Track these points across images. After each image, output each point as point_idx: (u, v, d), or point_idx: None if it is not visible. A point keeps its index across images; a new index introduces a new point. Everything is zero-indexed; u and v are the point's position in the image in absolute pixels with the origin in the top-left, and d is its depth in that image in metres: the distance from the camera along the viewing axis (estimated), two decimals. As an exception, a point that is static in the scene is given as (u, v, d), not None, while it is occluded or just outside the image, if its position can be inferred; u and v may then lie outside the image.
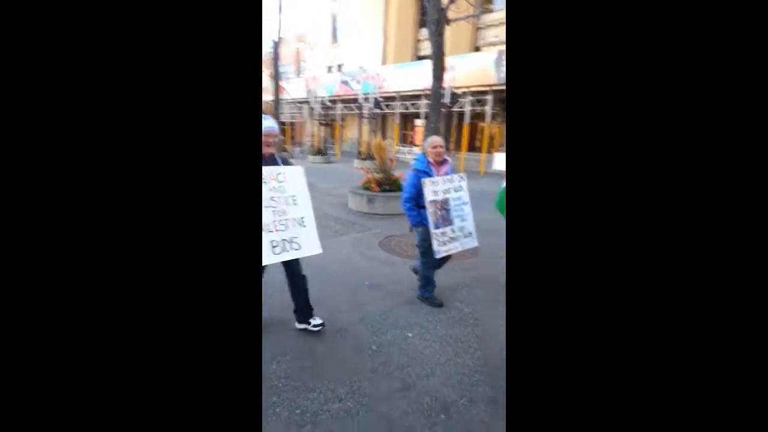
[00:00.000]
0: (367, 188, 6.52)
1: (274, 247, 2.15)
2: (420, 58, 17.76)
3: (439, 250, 2.84)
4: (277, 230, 2.19)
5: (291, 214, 2.26)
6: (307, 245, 2.29)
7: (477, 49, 16.25)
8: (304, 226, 2.30)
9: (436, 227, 2.84)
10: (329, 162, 15.92)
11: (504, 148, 14.24)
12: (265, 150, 2.28)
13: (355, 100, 18.42)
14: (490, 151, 13.84)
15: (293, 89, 21.34)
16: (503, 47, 13.85)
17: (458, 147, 14.46)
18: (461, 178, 3.05)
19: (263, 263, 2.08)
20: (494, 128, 14.10)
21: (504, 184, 3.09)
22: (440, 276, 3.20)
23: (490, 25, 16.02)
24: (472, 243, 3.08)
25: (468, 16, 7.56)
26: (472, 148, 15.06)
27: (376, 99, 17.01)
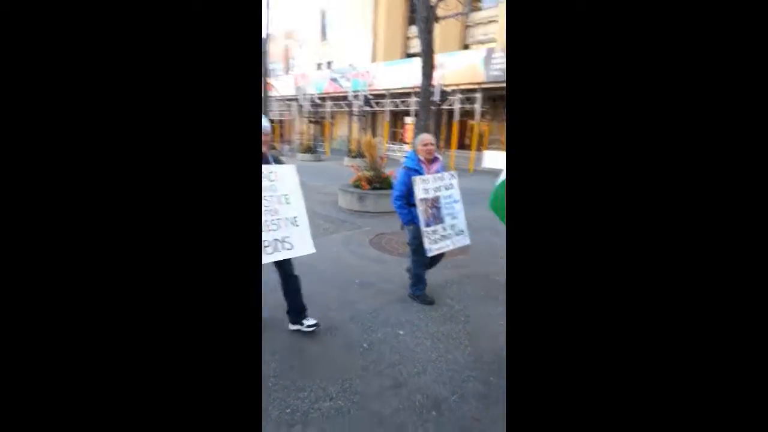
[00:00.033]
0: (357, 186, 6.50)
1: (266, 247, 2.12)
2: (409, 55, 17.77)
3: (431, 248, 2.84)
4: (269, 230, 2.16)
5: (283, 213, 2.23)
6: (300, 245, 2.27)
7: (466, 47, 16.32)
8: (297, 226, 2.28)
9: (427, 225, 2.84)
10: (319, 160, 15.83)
11: (493, 146, 14.35)
12: None
13: (344, 98, 18.35)
14: (479, 149, 13.91)
15: (282, 86, 21.16)
16: (492, 45, 13.94)
17: (448, 145, 14.50)
18: (452, 175, 3.05)
19: None
20: (483, 126, 14.17)
21: (497, 183, 3.10)
22: (431, 273, 3.21)
23: (478, 23, 16.08)
24: (464, 241, 3.08)
25: (457, 14, 7.57)
26: (462, 145, 15.12)
27: (366, 96, 16.96)
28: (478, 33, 16.27)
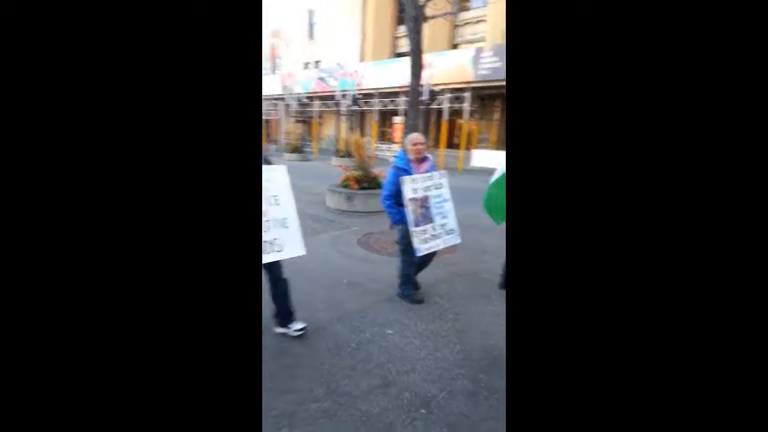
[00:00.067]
0: (345, 186, 6.47)
1: None
2: (398, 55, 17.75)
3: (420, 247, 2.83)
4: None
5: (272, 215, 2.20)
6: (290, 247, 2.23)
7: (455, 46, 16.36)
8: (287, 227, 2.24)
9: (416, 225, 2.83)
10: (306, 160, 15.73)
11: (482, 145, 14.44)
12: None
13: (332, 97, 18.27)
14: (468, 148, 13.99)
15: (268, 86, 20.96)
16: (481, 44, 14.01)
17: (437, 144, 14.54)
18: (441, 175, 3.04)
19: None
20: (472, 125, 14.25)
21: (491, 182, 3.10)
22: (421, 272, 3.20)
23: (467, 23, 16.15)
24: (455, 240, 3.08)
25: (445, 14, 7.59)
26: (451, 144, 15.18)
27: (354, 96, 16.91)
28: (466, 32, 16.33)
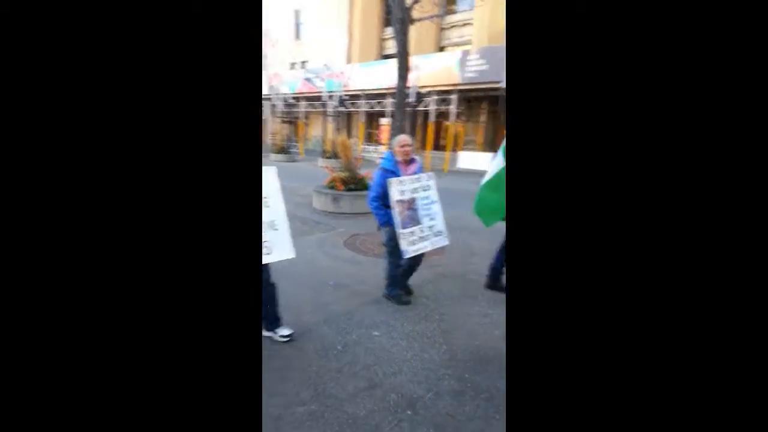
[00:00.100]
0: (332, 187, 6.44)
1: None
2: (385, 56, 17.79)
3: (408, 249, 2.83)
4: None
5: (262, 217, 2.16)
6: (278, 249, 2.20)
7: (441, 49, 16.47)
8: (276, 230, 2.21)
9: (404, 227, 2.83)
10: (293, 161, 15.62)
11: (468, 147, 14.56)
12: None
13: (319, 98, 18.18)
14: (454, 150, 14.08)
15: (255, 86, 20.71)
16: (467, 47, 14.13)
17: (423, 146, 14.60)
18: (429, 177, 3.05)
19: None
20: (459, 127, 14.36)
21: (482, 184, 3.12)
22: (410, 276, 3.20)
23: (453, 26, 16.27)
24: (443, 242, 3.08)
25: (432, 16, 7.65)
26: (437, 146, 15.27)
27: (340, 97, 16.86)
28: (453, 35, 16.46)
